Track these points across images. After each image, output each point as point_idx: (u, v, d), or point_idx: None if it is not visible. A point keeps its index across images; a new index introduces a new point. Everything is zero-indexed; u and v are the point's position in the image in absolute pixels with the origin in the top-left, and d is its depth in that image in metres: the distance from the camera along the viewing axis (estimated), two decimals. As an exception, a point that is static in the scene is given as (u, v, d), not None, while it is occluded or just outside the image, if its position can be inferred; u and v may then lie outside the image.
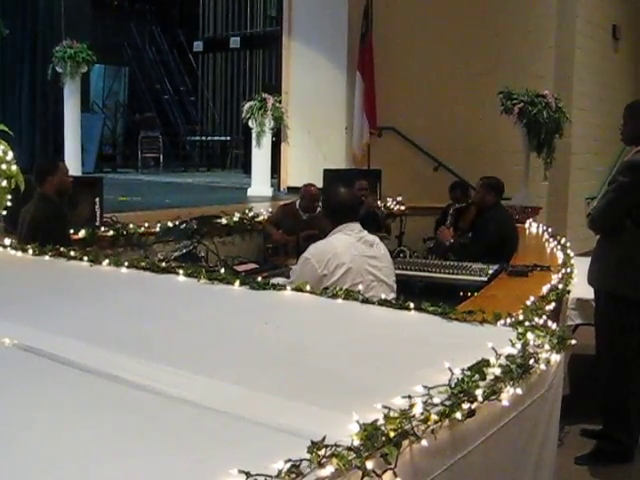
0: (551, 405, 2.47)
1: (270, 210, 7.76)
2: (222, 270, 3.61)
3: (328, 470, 1.47)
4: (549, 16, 10.63)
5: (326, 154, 10.73)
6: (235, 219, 7.11)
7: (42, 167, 5.29)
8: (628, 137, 4.47)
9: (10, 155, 5.15)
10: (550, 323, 2.67)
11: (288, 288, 3.26)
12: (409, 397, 1.80)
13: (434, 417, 1.76)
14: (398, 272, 4.47)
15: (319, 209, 6.94)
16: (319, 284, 3.73)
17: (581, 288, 4.68)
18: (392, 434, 1.62)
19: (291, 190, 10.61)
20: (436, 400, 1.82)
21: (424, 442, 1.69)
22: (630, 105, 4.47)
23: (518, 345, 2.31)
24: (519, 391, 2.11)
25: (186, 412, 1.84)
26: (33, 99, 14.21)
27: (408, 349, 2.46)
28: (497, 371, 2.07)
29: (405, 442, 1.64)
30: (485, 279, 4.90)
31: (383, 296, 3.33)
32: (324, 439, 1.53)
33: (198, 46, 19.25)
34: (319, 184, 7.99)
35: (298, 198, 7.23)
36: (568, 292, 4.44)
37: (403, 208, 8.83)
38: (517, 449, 2.22)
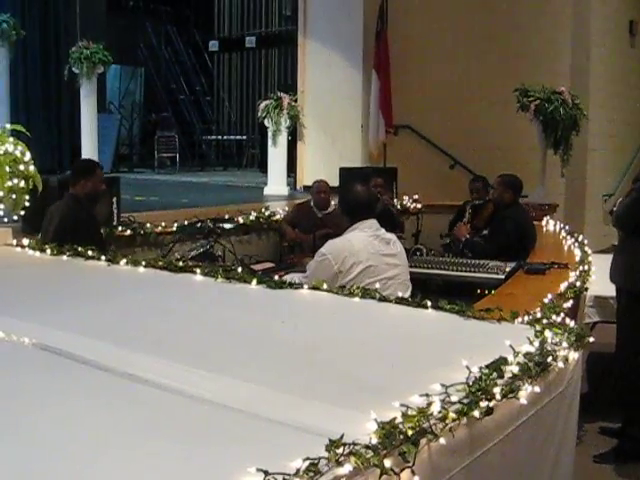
0: (569, 403, 2.46)
1: (286, 209, 7.76)
2: (239, 269, 3.62)
3: (346, 468, 1.48)
4: (565, 12, 10.55)
5: (342, 152, 10.71)
6: (251, 218, 7.11)
7: (80, 167, 5.24)
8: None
9: (28, 156, 5.19)
10: (568, 321, 2.66)
11: (305, 287, 3.27)
12: (427, 395, 1.80)
13: (452, 415, 1.76)
14: (415, 270, 4.47)
15: (333, 206, 6.95)
16: (334, 281, 3.73)
17: (599, 285, 4.64)
18: (410, 432, 1.62)
19: (307, 189, 10.56)
20: (454, 398, 1.83)
21: (442, 440, 1.69)
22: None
23: (536, 343, 2.30)
24: (537, 389, 2.10)
25: (204, 410, 1.85)
26: (50, 100, 14.27)
27: (425, 347, 2.46)
28: (515, 369, 2.07)
29: (423, 440, 1.65)
30: (502, 277, 4.88)
31: (400, 294, 3.33)
32: (342, 437, 1.54)
33: (214, 46, 19.23)
34: (335, 183, 7.99)
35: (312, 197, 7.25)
36: (586, 290, 4.41)
37: (419, 206, 8.79)
38: (535, 447, 2.21)
